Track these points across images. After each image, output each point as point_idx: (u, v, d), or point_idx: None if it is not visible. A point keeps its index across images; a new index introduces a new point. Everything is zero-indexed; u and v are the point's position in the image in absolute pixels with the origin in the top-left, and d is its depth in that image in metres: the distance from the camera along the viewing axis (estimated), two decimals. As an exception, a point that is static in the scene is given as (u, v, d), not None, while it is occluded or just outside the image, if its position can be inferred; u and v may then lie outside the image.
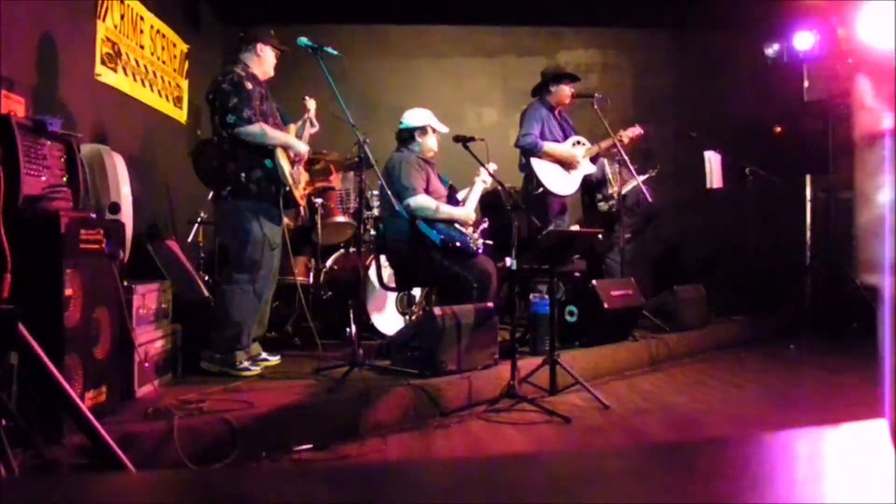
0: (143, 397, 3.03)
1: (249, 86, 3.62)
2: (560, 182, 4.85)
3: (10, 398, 1.98)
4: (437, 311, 3.66)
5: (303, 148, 3.78)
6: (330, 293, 4.80)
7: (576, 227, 4.96)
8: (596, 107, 4.93)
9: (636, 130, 5.23)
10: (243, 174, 3.60)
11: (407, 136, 4.26)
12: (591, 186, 5.40)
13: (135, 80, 4.52)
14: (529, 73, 5.52)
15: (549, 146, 4.83)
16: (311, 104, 3.97)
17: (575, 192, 5.06)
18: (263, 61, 3.80)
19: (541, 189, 4.80)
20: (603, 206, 5.41)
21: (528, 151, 4.82)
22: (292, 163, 3.72)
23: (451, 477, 0.68)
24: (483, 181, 4.34)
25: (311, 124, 3.95)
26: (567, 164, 4.88)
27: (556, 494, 0.61)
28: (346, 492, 0.63)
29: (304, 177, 3.97)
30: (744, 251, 6.43)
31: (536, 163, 4.81)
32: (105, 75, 4.10)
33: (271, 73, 3.87)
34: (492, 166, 4.01)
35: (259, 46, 3.78)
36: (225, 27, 6.34)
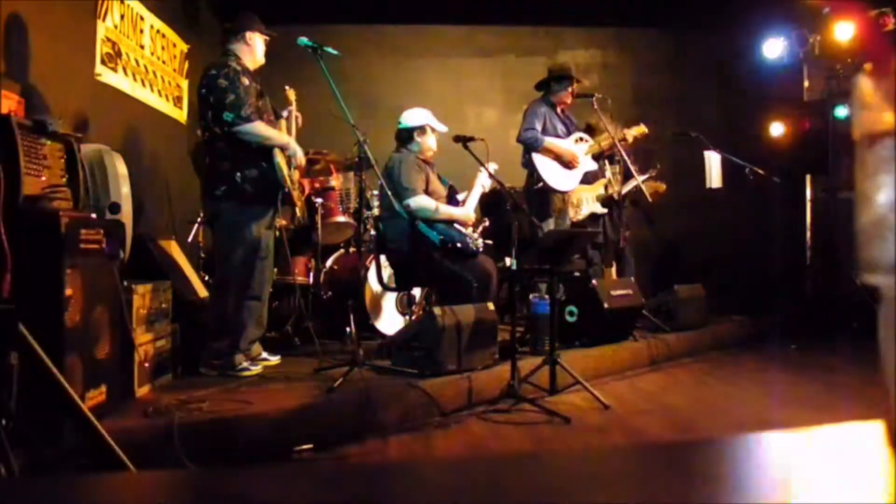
0: (143, 397, 3.03)
1: (246, 81, 3.54)
2: (560, 178, 4.86)
3: (10, 398, 1.98)
4: (437, 311, 3.66)
5: (300, 154, 3.75)
6: (330, 293, 4.80)
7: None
8: (596, 107, 4.93)
9: (641, 129, 5.23)
10: (238, 174, 3.52)
11: (406, 136, 4.25)
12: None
13: (135, 80, 4.52)
14: (529, 73, 5.52)
15: (550, 142, 4.83)
16: (292, 94, 3.91)
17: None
18: (253, 50, 3.74)
19: (541, 184, 4.81)
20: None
21: (530, 146, 4.83)
22: (288, 163, 3.69)
23: (451, 477, 0.68)
24: (482, 184, 4.34)
25: (296, 116, 3.88)
26: (568, 161, 4.88)
27: (556, 494, 0.61)
28: (346, 492, 0.63)
29: (296, 176, 3.91)
30: (744, 251, 6.43)
31: (538, 158, 4.82)
32: (105, 75, 4.10)
33: (262, 60, 3.80)
34: (492, 166, 4.01)
35: (248, 35, 3.71)
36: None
